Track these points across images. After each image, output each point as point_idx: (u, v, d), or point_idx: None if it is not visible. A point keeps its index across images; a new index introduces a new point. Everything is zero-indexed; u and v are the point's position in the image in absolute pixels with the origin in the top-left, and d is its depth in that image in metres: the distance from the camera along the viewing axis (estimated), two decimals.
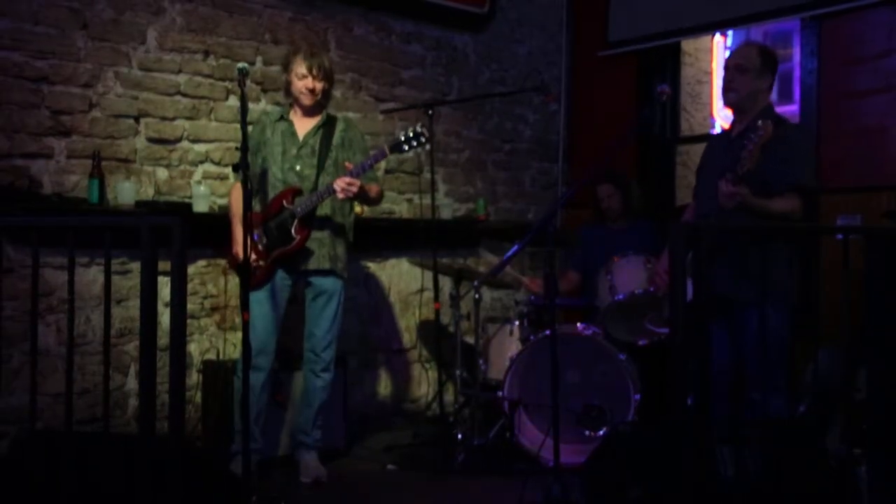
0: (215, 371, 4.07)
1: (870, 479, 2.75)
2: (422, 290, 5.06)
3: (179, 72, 4.23)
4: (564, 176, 5.77)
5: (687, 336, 2.39)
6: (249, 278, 3.24)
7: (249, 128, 3.81)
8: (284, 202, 3.70)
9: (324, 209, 3.77)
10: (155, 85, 4.15)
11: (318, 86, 3.75)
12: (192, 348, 4.24)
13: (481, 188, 5.45)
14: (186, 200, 4.18)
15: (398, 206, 5.06)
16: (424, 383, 5.11)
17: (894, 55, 4.33)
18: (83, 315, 3.89)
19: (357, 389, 4.76)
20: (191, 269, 4.16)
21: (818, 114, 4.60)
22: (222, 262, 4.27)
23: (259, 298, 3.71)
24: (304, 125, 3.82)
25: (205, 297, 4.30)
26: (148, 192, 4.12)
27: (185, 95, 4.25)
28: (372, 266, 4.96)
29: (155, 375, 2.37)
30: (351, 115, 4.60)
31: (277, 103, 4.42)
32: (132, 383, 4.03)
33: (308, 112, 3.83)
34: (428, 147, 3.82)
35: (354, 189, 3.61)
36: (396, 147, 3.68)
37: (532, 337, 4.25)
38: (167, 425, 2.39)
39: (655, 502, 2.89)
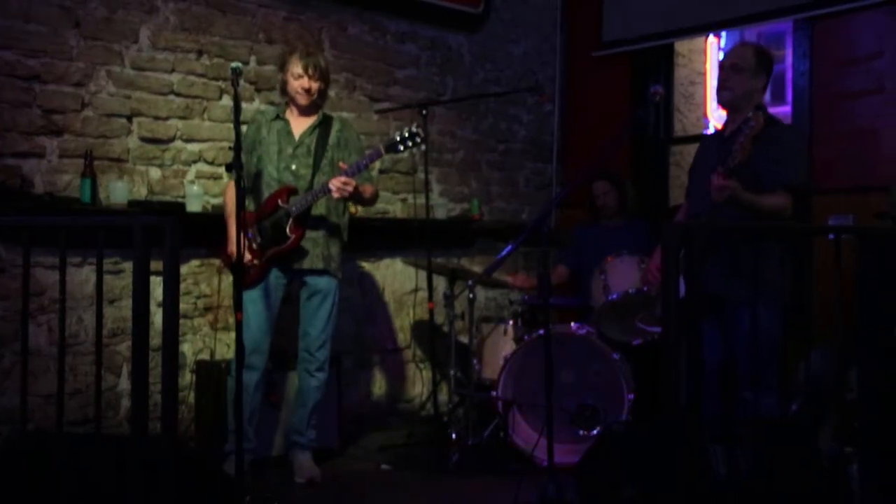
0: (208, 371, 4.06)
1: (861, 477, 2.75)
2: (416, 290, 5.06)
3: (173, 71, 4.22)
4: (558, 176, 5.78)
5: (679, 335, 2.40)
6: (243, 278, 3.23)
7: (244, 127, 3.82)
8: (279, 201, 3.69)
9: (319, 209, 3.76)
10: (148, 84, 4.14)
11: (314, 85, 3.75)
12: (186, 348, 4.23)
13: (475, 188, 5.45)
14: (179, 200, 4.17)
15: (392, 205, 5.06)
16: (419, 383, 5.11)
17: (886, 57, 4.35)
18: (75, 315, 3.88)
19: (351, 389, 4.76)
20: (184, 269, 4.16)
21: (810, 115, 4.61)
22: (216, 261, 4.26)
23: (253, 297, 3.70)
24: (300, 124, 3.82)
25: (198, 297, 4.29)
26: (141, 192, 4.11)
27: (178, 95, 4.24)
28: (366, 266, 4.96)
29: (147, 376, 2.36)
30: (345, 114, 4.59)
31: (271, 103, 4.42)
32: (124, 384, 4.02)
33: (304, 111, 3.82)
34: (423, 147, 3.82)
35: (350, 189, 3.61)
36: (392, 147, 3.68)
37: (526, 337, 4.25)
38: (160, 426, 2.38)
39: (649, 501, 2.89)
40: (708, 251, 3.19)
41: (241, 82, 3.38)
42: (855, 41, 4.48)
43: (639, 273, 4.05)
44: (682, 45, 5.77)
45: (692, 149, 4.33)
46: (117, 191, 3.94)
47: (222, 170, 4.24)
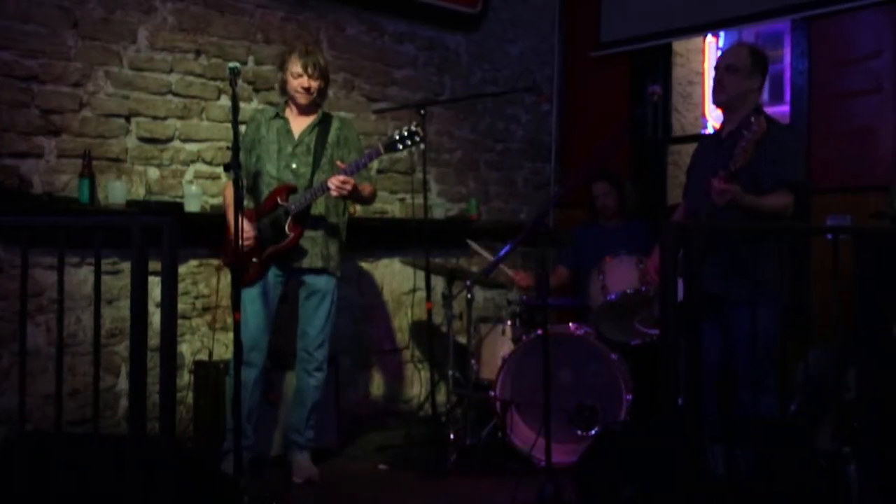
0: (206, 371, 4.05)
1: (860, 477, 2.76)
2: (414, 290, 5.06)
3: (171, 71, 4.21)
4: (556, 176, 5.77)
5: (678, 335, 2.40)
6: (241, 278, 3.23)
7: (242, 126, 3.81)
8: (279, 199, 3.69)
9: (318, 208, 3.76)
10: (146, 84, 4.13)
11: (314, 84, 3.75)
12: (184, 349, 4.23)
13: (473, 188, 5.45)
14: (178, 200, 4.16)
15: (391, 205, 5.06)
16: (417, 383, 5.11)
17: (884, 56, 4.36)
18: (73, 315, 3.88)
19: (349, 389, 4.76)
20: (182, 269, 4.15)
21: (809, 114, 4.62)
22: (214, 262, 4.26)
23: (252, 296, 3.70)
24: (299, 123, 3.82)
25: (196, 298, 4.29)
26: (139, 192, 4.10)
27: (176, 95, 4.23)
28: (364, 266, 4.95)
29: (145, 376, 2.36)
30: (343, 114, 4.59)
31: (269, 103, 4.41)
32: (123, 384, 4.02)
33: (303, 110, 3.82)
34: (422, 146, 3.82)
35: (349, 187, 3.61)
36: (391, 146, 3.68)
37: (524, 337, 4.25)
38: (158, 426, 2.38)
39: (647, 502, 2.90)
40: (706, 251, 3.20)
41: (239, 82, 3.38)
42: (853, 41, 4.49)
43: (637, 273, 4.05)
44: (680, 45, 5.77)
45: (690, 148, 4.33)
46: (115, 191, 3.94)
47: (220, 170, 4.24)
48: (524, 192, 5.73)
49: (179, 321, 4.00)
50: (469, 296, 4.26)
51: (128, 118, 4.08)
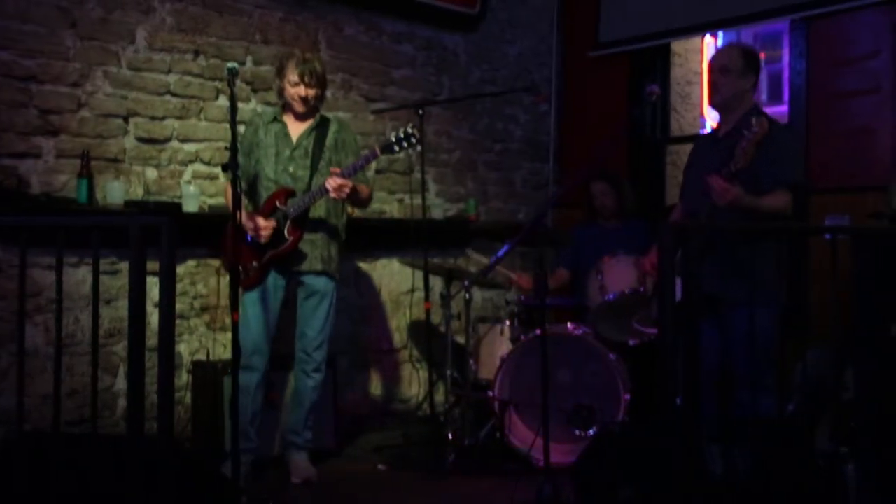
0: (205, 372, 4.05)
1: (858, 477, 2.76)
2: (412, 290, 5.06)
3: (169, 71, 4.21)
4: (555, 176, 5.77)
5: (676, 335, 2.40)
6: (239, 278, 3.23)
7: (241, 128, 3.81)
8: (277, 203, 3.69)
9: (318, 211, 3.76)
10: (144, 84, 4.13)
11: (311, 93, 3.75)
12: (182, 349, 4.23)
13: (472, 188, 5.45)
14: (176, 200, 4.16)
15: (389, 206, 5.06)
16: (415, 383, 5.11)
17: (882, 56, 4.36)
18: (72, 315, 3.88)
19: (348, 390, 4.76)
20: (181, 269, 4.15)
21: (807, 114, 4.62)
22: (213, 262, 4.25)
23: (253, 299, 3.71)
24: (297, 127, 3.82)
25: (195, 298, 4.28)
26: (137, 192, 4.10)
27: (174, 95, 4.23)
28: (363, 266, 4.95)
29: (144, 376, 2.36)
30: (341, 115, 4.59)
31: (267, 103, 4.42)
32: (121, 384, 4.02)
33: (301, 115, 3.82)
34: (419, 148, 3.82)
35: (347, 190, 3.61)
36: (387, 148, 3.68)
37: (522, 337, 4.25)
38: (156, 426, 2.38)
39: (646, 502, 2.90)
40: (705, 251, 3.20)
41: (238, 83, 3.38)
42: (851, 41, 4.49)
43: (635, 272, 4.06)
44: (678, 45, 5.77)
45: (689, 148, 4.33)
46: (114, 191, 3.94)
47: (219, 170, 4.23)
48: (523, 192, 5.73)
49: (177, 321, 4.01)
50: (467, 296, 4.26)
51: (126, 118, 4.08)
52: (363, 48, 4.94)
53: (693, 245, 2.52)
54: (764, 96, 6.75)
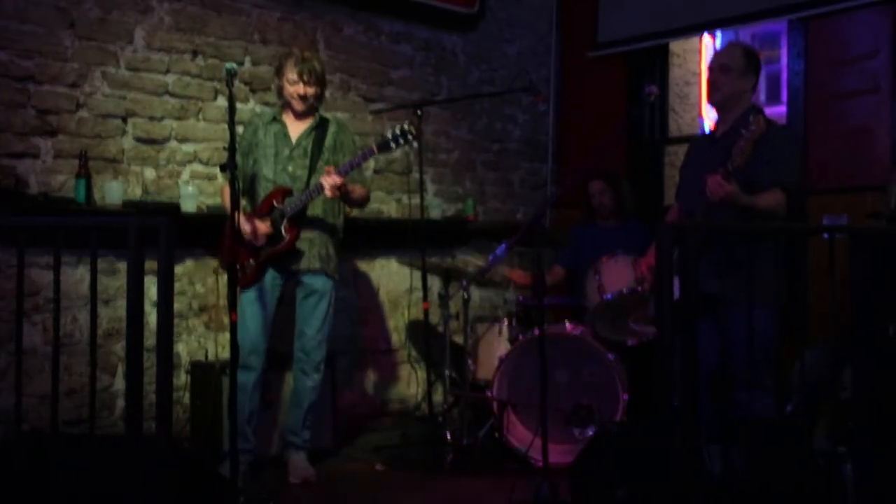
0: (203, 372, 4.05)
1: (856, 477, 2.76)
2: (411, 290, 5.05)
3: (167, 71, 4.21)
4: (553, 176, 5.77)
5: (674, 335, 2.40)
6: (237, 278, 3.23)
7: (240, 128, 3.82)
8: (275, 202, 3.69)
9: (315, 210, 3.76)
10: (143, 85, 4.13)
11: (310, 91, 3.75)
12: (181, 349, 4.23)
13: (470, 188, 5.45)
14: (174, 200, 4.16)
15: (387, 206, 5.06)
16: (413, 383, 5.11)
17: (880, 56, 4.36)
18: (70, 315, 3.88)
19: (346, 389, 4.76)
20: (179, 269, 4.15)
21: (805, 115, 4.62)
22: (211, 262, 4.25)
23: (250, 298, 3.71)
24: (296, 127, 3.82)
25: (193, 297, 4.28)
26: (135, 192, 4.10)
27: (173, 95, 4.23)
28: (361, 266, 4.95)
29: (142, 376, 2.36)
30: (340, 115, 4.59)
31: (266, 103, 4.42)
32: (119, 384, 4.02)
33: (300, 114, 3.82)
34: (415, 144, 3.82)
35: (344, 188, 3.61)
36: (384, 145, 3.68)
37: (521, 337, 4.25)
38: (154, 426, 2.38)
39: (644, 502, 2.90)
40: (702, 250, 3.20)
41: (236, 83, 3.38)
42: (850, 41, 4.49)
43: (634, 272, 4.06)
44: (677, 45, 5.77)
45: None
46: (112, 191, 3.94)
47: (217, 170, 4.23)
48: (521, 192, 5.73)
49: (176, 321, 4.00)
50: (465, 296, 4.26)
51: (124, 118, 4.08)
52: (361, 48, 4.94)
53: (690, 245, 2.52)
54: (762, 97, 6.75)
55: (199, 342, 4.29)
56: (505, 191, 5.65)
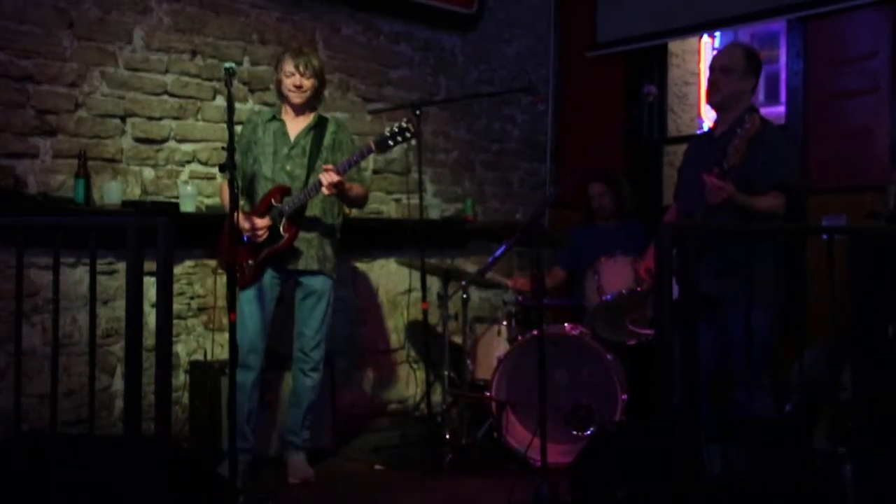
0: (202, 372, 4.05)
1: (855, 477, 2.76)
2: (410, 291, 5.05)
3: (166, 72, 4.21)
4: (553, 176, 5.77)
5: (673, 335, 2.40)
6: (236, 278, 3.23)
7: (239, 127, 3.81)
8: (273, 201, 3.69)
9: (313, 210, 3.76)
10: (142, 85, 4.13)
11: (307, 83, 3.75)
12: (180, 349, 4.23)
13: (469, 188, 5.45)
14: (173, 200, 4.16)
15: (386, 206, 5.06)
16: (412, 383, 5.11)
17: (880, 56, 4.36)
18: (69, 315, 3.87)
19: (345, 389, 4.75)
20: (178, 270, 4.15)
21: (804, 115, 4.62)
22: (210, 262, 4.25)
23: (249, 298, 3.71)
24: (295, 126, 3.82)
25: (192, 298, 4.28)
26: (134, 192, 4.10)
27: (171, 95, 4.23)
28: (360, 266, 4.95)
29: (141, 376, 2.36)
30: (339, 115, 4.59)
31: (265, 103, 4.41)
32: (118, 384, 4.01)
33: (299, 111, 3.82)
34: (413, 141, 3.82)
35: (341, 186, 3.61)
36: (382, 143, 3.68)
37: (520, 337, 4.25)
38: (153, 426, 2.38)
39: (643, 502, 2.90)
40: (701, 251, 3.20)
41: (235, 83, 3.39)
42: (849, 41, 4.49)
43: (633, 273, 4.06)
44: (676, 46, 5.78)
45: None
46: (111, 191, 3.93)
47: (216, 170, 4.23)
48: (520, 192, 5.72)
49: (175, 321, 4.01)
50: (464, 296, 4.26)
51: (123, 118, 4.08)
52: (360, 48, 4.94)
53: (689, 245, 2.52)
54: (761, 97, 6.76)
55: (197, 342, 4.29)
56: (504, 191, 5.65)
